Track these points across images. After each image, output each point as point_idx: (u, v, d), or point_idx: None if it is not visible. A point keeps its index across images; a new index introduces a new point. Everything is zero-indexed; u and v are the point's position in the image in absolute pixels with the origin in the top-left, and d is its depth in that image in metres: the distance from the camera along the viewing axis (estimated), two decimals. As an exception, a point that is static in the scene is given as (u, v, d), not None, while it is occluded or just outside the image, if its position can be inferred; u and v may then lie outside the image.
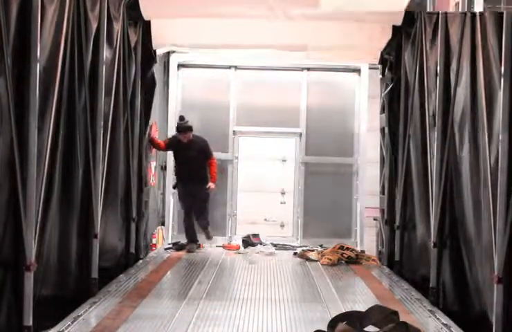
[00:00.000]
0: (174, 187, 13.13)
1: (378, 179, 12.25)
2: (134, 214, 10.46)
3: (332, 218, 14.41)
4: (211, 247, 13.05)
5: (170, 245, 12.92)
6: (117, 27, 8.95)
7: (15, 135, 5.54)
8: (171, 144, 12.83)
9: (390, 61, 11.24)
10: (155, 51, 11.42)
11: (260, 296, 8.56)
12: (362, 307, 7.46)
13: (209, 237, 12.93)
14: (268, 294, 8.71)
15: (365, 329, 6.32)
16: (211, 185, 12.76)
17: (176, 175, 12.98)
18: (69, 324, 6.58)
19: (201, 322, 6.97)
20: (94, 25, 7.92)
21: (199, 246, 12.90)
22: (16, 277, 5.83)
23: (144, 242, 11.43)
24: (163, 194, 14.01)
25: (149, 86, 11.28)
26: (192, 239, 12.70)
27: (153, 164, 12.75)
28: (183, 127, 12.63)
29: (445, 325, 7.13)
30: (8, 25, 5.41)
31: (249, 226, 14.06)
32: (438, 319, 7.41)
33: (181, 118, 12.85)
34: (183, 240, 12.83)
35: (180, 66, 14.65)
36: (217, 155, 13.87)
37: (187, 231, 12.77)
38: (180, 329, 6.70)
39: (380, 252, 11.99)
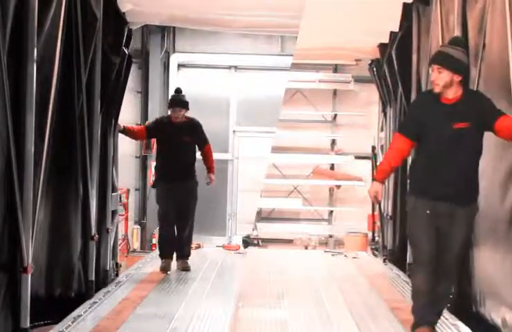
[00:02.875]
0: (154, 186, 10.33)
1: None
2: (93, 230, 7.95)
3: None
4: (211, 248, 13.01)
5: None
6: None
7: (12, 135, 5.49)
8: (157, 126, 10.10)
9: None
10: (131, 30, 9.60)
11: (260, 295, 8.53)
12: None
13: (187, 267, 9.97)
14: (269, 293, 8.68)
15: None
16: (211, 176, 10.18)
17: (157, 170, 10.20)
18: (69, 324, 6.55)
19: (202, 322, 6.94)
20: (98, 15, 7.81)
21: (199, 246, 12.81)
22: (14, 278, 5.78)
23: (113, 262, 9.34)
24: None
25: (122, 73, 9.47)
26: (169, 254, 9.94)
27: (153, 164, 12.71)
28: (180, 101, 9.87)
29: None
30: (5, 21, 5.35)
31: (249, 226, 14.08)
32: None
33: (178, 91, 10.09)
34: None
35: (180, 66, 14.68)
36: (217, 155, 13.85)
37: (166, 243, 9.92)
38: (181, 328, 6.66)
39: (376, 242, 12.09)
